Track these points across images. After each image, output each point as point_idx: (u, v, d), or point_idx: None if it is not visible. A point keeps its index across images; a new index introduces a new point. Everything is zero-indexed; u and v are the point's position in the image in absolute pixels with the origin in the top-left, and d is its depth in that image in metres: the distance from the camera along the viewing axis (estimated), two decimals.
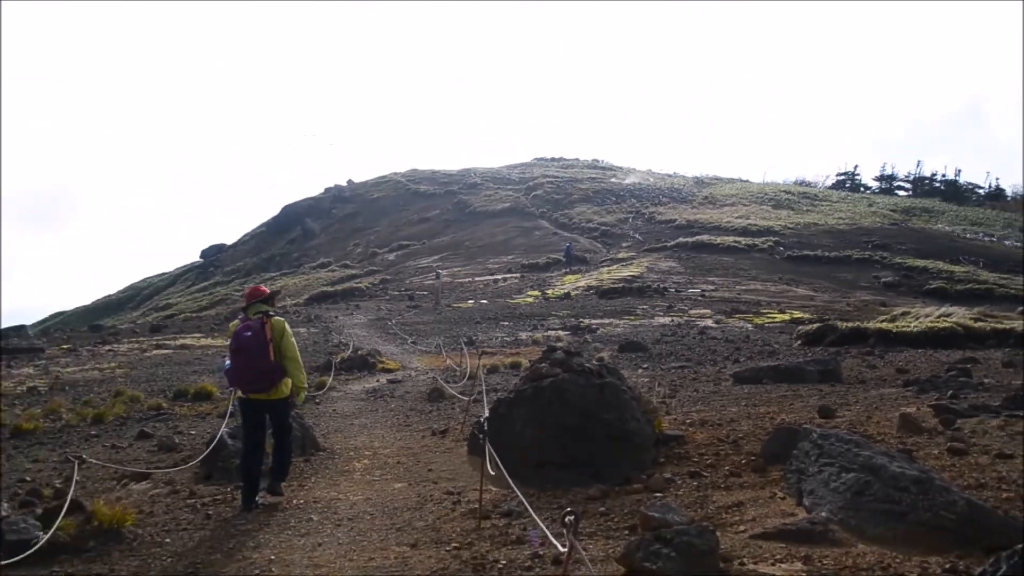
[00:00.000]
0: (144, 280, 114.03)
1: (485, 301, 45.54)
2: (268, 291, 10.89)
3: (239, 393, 10.70)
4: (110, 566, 8.29)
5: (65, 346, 33.75)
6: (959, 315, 32.17)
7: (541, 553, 7.61)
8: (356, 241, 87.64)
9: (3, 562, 8.09)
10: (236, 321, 10.62)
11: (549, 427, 10.80)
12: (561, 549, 5.82)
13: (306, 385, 11.07)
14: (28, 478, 12.21)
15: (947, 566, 6.45)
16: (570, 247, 64.54)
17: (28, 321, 60.12)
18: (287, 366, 10.41)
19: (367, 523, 9.51)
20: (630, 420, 10.99)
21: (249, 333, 10.15)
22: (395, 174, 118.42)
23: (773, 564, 6.77)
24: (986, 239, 74.92)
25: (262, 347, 10.12)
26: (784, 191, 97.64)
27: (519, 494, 8.31)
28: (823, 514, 7.73)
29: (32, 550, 8.01)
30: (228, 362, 10.46)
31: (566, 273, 56.48)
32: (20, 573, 7.95)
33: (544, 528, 6.91)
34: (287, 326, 10.62)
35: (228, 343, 10.65)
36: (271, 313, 10.56)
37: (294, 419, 13.00)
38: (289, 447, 10.94)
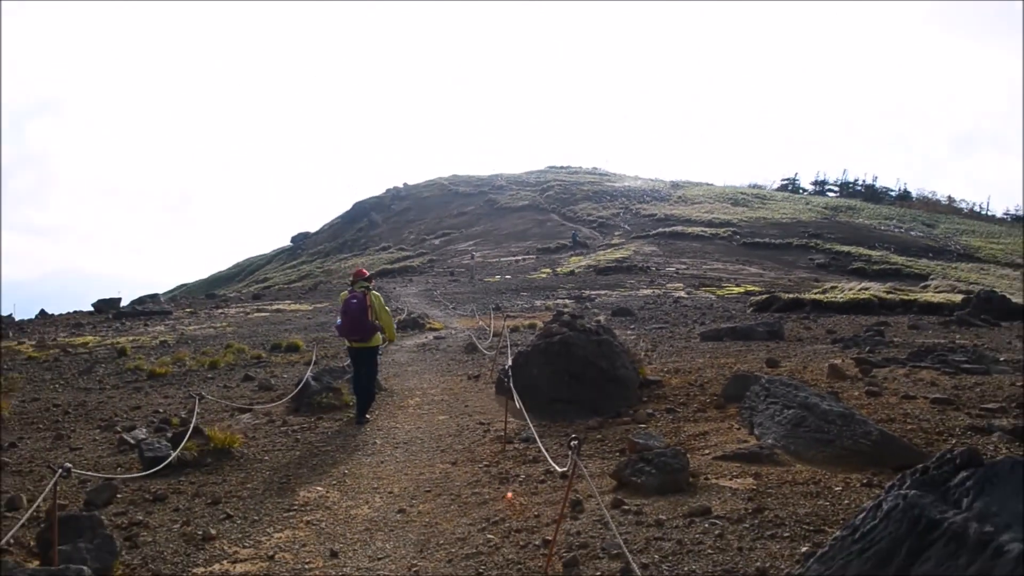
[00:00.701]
0: (248, 259, 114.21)
1: (509, 276, 45.49)
2: (368, 273, 11.90)
3: (346, 342, 11.78)
4: (223, 477, 8.37)
5: (188, 310, 33.91)
6: (875, 289, 31.99)
7: (552, 470, 7.64)
8: (410, 230, 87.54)
9: (143, 472, 8.18)
10: (345, 292, 11.49)
11: (558, 373, 10.80)
12: (563, 470, 5.84)
13: (395, 336, 12.63)
14: (160, 410, 12.31)
15: (864, 481, 6.44)
16: (576, 234, 64.31)
17: (160, 291, 60.47)
18: (382, 323, 11.43)
19: (418, 446, 9.56)
20: (620, 368, 10.98)
21: (355, 301, 11.16)
22: (440, 178, 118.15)
23: (730, 479, 6.77)
24: (896, 230, 74.34)
25: (363, 311, 11.14)
26: (740, 192, 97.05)
27: (531, 428, 8.33)
28: (769, 441, 7.72)
29: (164, 464, 8.09)
30: (339, 320, 11.36)
31: (572, 255, 56.26)
32: (157, 481, 8.03)
33: (547, 455, 6.92)
34: (381, 297, 11.53)
35: (340, 307, 11.41)
36: (369, 287, 11.50)
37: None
38: (372, 388, 11.72)
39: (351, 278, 11.90)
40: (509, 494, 7.08)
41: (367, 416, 11.32)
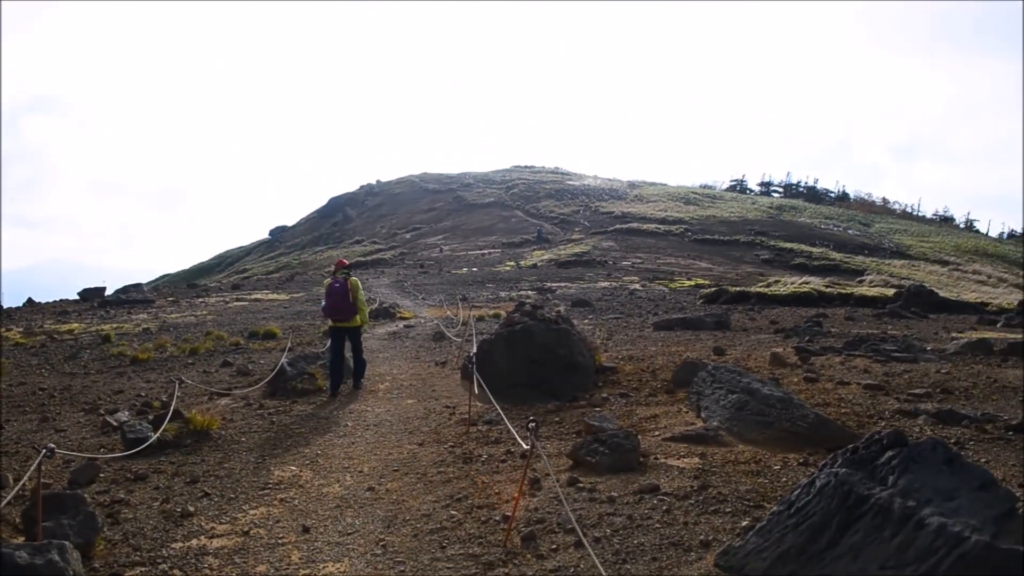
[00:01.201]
0: (228, 251, 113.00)
1: (475, 269, 45.44)
2: (348, 262, 13.10)
3: (329, 322, 12.50)
4: (202, 457, 8.29)
5: (170, 298, 33.52)
6: (815, 283, 32.37)
7: (513, 450, 7.66)
8: (382, 224, 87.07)
9: (125, 453, 8.09)
10: (328, 279, 12.49)
11: (519, 359, 10.83)
12: (525, 447, 5.86)
13: (368, 320, 13.38)
14: (142, 394, 12.17)
15: (801, 460, 6.54)
16: (540, 230, 64.35)
17: (144, 280, 59.63)
18: (358, 307, 12.17)
19: (387, 428, 9.54)
20: (578, 355, 11.03)
21: (337, 285, 12.08)
22: (411, 175, 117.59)
23: (678, 459, 6.84)
24: (835, 229, 75.24)
25: (344, 294, 12.01)
26: (692, 192, 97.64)
27: (498, 409, 8.35)
28: (714, 423, 7.80)
29: (145, 445, 8.00)
30: (324, 303, 12.30)
31: (534, 249, 56.33)
32: (138, 462, 7.95)
33: (514, 432, 6.95)
34: (359, 283, 12.43)
35: (324, 292, 12.35)
36: (349, 274, 12.41)
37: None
38: (362, 358, 12.56)
39: (333, 267, 12.78)
40: (475, 477, 7.10)
41: (361, 384, 12.29)
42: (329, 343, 12.70)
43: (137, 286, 39.54)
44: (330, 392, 11.74)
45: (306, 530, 5.97)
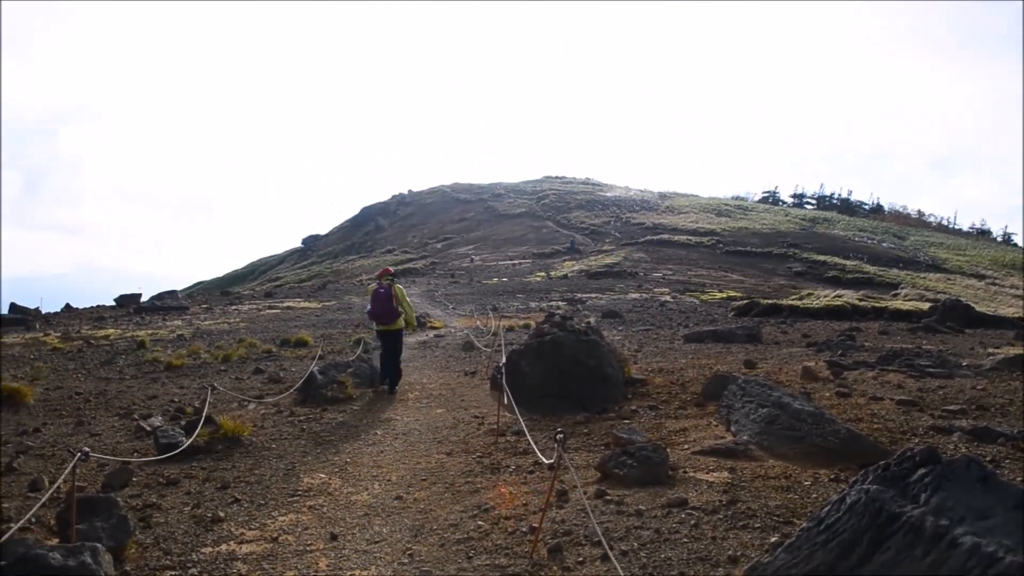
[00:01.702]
0: (261, 259, 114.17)
1: (506, 279, 45.48)
2: (392, 270, 13.83)
3: (375, 326, 13.34)
4: (232, 463, 8.37)
5: (203, 305, 33.90)
6: (848, 296, 32.01)
7: (541, 461, 7.65)
8: (413, 234, 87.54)
9: (158, 457, 8.18)
10: (373, 284, 13.48)
11: (549, 370, 10.81)
12: (550, 461, 5.84)
13: (415, 321, 14.15)
14: (176, 399, 12.30)
15: (832, 476, 6.46)
16: (573, 240, 64.35)
17: (178, 287, 60.35)
18: (404, 310, 13.04)
19: (416, 437, 9.56)
20: (607, 366, 11.00)
21: (382, 291, 12.89)
22: (442, 185, 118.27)
23: (707, 472, 6.79)
24: (869, 241, 74.47)
25: (388, 299, 12.83)
26: (724, 203, 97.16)
27: (521, 423, 8.34)
28: (744, 437, 7.73)
29: (178, 450, 8.09)
30: (369, 307, 13.22)
31: (565, 260, 56.28)
32: (170, 466, 8.04)
33: (535, 447, 6.94)
34: (403, 288, 13.31)
35: (369, 297, 13.27)
36: (394, 281, 13.27)
37: (367, 362, 13.73)
38: (398, 363, 13.07)
39: (378, 274, 13.70)
40: (502, 487, 7.09)
41: (394, 390, 12.67)
42: (380, 345, 13.30)
43: (172, 293, 40.05)
44: (387, 391, 12.62)
45: (334, 537, 6.00)
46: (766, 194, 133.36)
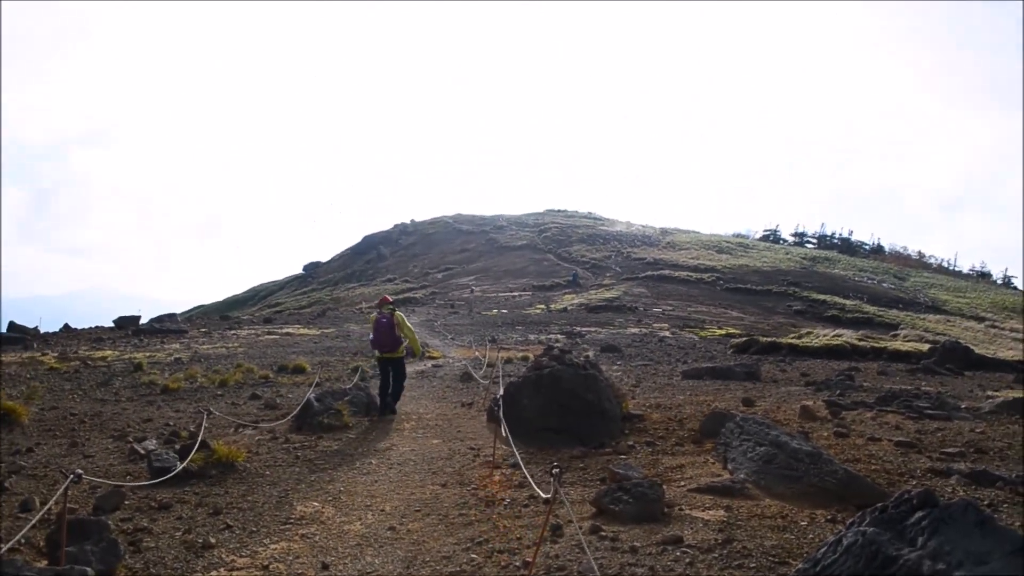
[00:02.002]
0: (261, 284, 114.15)
1: (505, 311, 45.45)
2: (391, 298, 14.42)
3: (377, 353, 13.61)
4: (226, 489, 8.31)
5: (202, 329, 33.85)
6: (848, 336, 31.96)
7: (536, 495, 7.59)
8: (414, 264, 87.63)
9: (151, 481, 8.13)
10: (375, 313, 13.76)
11: (547, 404, 10.77)
12: (546, 495, 5.80)
13: (419, 348, 14.90)
14: (170, 423, 12.25)
15: (829, 517, 6.41)
16: (576, 274, 64.39)
17: (178, 310, 60.35)
18: (407, 337, 13.54)
19: (411, 467, 9.51)
20: (605, 401, 10.96)
21: (384, 320, 13.31)
22: (445, 216, 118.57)
23: (703, 510, 6.74)
24: (869, 281, 74.53)
25: (391, 328, 13.29)
26: (725, 240, 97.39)
27: (517, 456, 8.30)
28: (741, 476, 7.69)
29: (171, 474, 8.05)
30: (372, 336, 13.54)
31: (565, 293, 56.26)
32: (163, 491, 7.98)
33: (531, 480, 6.89)
34: (404, 317, 13.74)
35: (372, 326, 13.68)
36: (395, 310, 13.64)
37: (364, 390, 13.72)
38: (401, 386, 13.67)
39: (377, 303, 14.15)
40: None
41: (395, 409, 13.27)
42: (379, 372, 13.66)
43: (171, 316, 40.00)
44: (380, 412, 13.02)
45: (325, 567, 5.94)
46: (767, 232, 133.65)
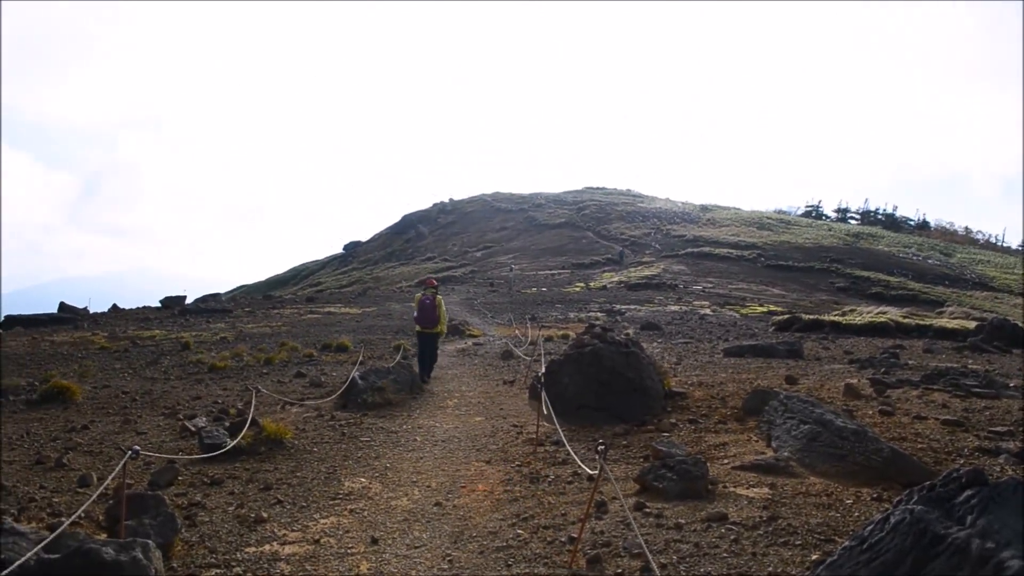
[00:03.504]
0: (303, 264, 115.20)
1: (544, 289, 45.47)
2: (436, 282, 15.90)
3: (418, 328, 14.98)
4: (275, 465, 8.49)
5: (246, 309, 34.34)
6: (892, 313, 31.53)
7: (579, 472, 7.65)
8: (453, 242, 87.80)
9: (202, 457, 8.34)
10: (419, 294, 15.06)
11: (588, 381, 10.82)
12: (590, 472, 5.87)
13: (445, 329, 15.84)
14: (219, 401, 12.50)
15: (874, 495, 6.39)
16: (623, 252, 64.19)
17: (222, 290, 61.24)
18: (440, 318, 14.89)
19: (455, 444, 9.62)
20: (647, 379, 10.97)
21: (428, 301, 14.74)
22: (483, 194, 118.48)
23: (747, 488, 6.75)
24: (914, 258, 73.26)
25: (433, 308, 14.74)
26: (766, 217, 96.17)
27: (560, 433, 8.36)
28: (785, 454, 7.68)
29: (222, 451, 8.24)
30: (416, 314, 14.96)
31: (605, 271, 56.10)
32: (214, 466, 8.18)
33: (576, 457, 6.95)
34: (443, 301, 15.17)
35: (416, 304, 15.04)
36: (437, 292, 15.05)
37: (407, 368, 13.89)
38: (436, 356, 15.36)
39: (424, 284, 15.53)
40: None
41: (429, 376, 14.82)
42: (418, 344, 15.24)
43: (215, 296, 40.65)
44: (421, 378, 14.26)
45: (375, 541, 6.07)
46: (809, 208, 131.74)
